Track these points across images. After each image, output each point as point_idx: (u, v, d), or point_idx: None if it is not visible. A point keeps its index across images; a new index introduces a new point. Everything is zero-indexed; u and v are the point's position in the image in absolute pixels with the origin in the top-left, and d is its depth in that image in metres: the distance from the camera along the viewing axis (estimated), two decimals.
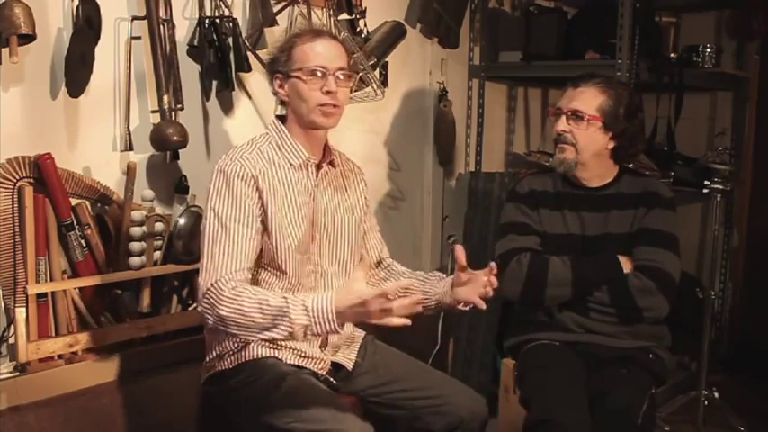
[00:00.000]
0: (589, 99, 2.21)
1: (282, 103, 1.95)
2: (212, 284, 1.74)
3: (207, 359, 1.98)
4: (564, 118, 2.23)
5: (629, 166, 2.40)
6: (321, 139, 1.96)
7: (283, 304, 1.66)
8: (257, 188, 1.83)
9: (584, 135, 2.20)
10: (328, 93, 1.84)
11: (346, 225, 2.00)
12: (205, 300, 1.75)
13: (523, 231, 2.27)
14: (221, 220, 1.79)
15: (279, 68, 1.88)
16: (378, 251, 2.15)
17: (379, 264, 2.16)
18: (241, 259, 1.78)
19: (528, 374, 2.18)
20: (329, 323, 1.63)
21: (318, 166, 1.95)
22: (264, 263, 1.90)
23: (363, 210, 2.08)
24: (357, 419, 1.77)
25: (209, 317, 1.76)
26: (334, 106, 1.86)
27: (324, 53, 1.85)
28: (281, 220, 1.86)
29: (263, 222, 1.85)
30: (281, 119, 1.96)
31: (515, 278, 2.21)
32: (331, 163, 1.99)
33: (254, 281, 1.87)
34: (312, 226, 1.93)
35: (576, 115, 2.20)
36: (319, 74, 1.84)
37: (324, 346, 1.97)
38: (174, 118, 2.25)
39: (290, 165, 1.90)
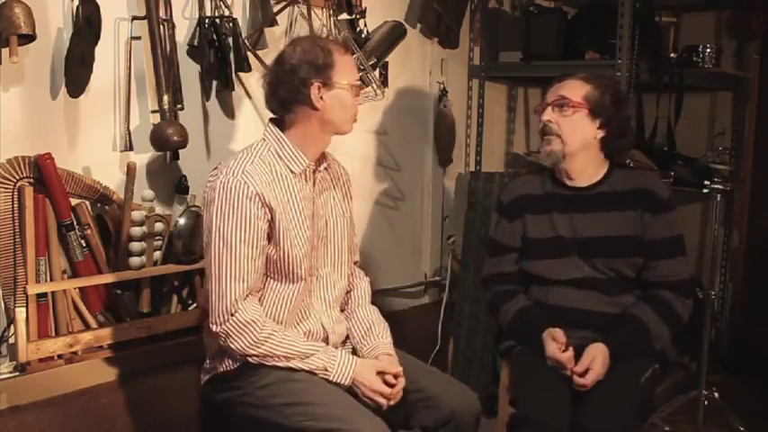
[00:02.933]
0: (574, 88, 2.18)
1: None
2: (226, 312, 1.81)
3: (207, 361, 1.98)
4: (549, 108, 2.18)
5: (628, 163, 2.39)
6: (327, 144, 1.98)
7: (309, 351, 1.86)
8: (264, 204, 1.83)
9: (570, 123, 2.16)
10: (359, 104, 1.96)
11: (339, 227, 2.03)
12: (221, 330, 1.82)
13: (500, 252, 2.31)
14: (226, 240, 1.81)
15: (321, 79, 1.86)
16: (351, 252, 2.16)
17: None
18: (248, 280, 1.82)
19: (515, 375, 2.20)
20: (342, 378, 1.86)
21: (315, 172, 1.97)
22: (272, 272, 1.91)
23: (348, 210, 2.10)
24: (371, 416, 1.79)
25: (223, 342, 1.85)
26: None
27: (356, 67, 1.97)
28: (289, 230, 1.87)
29: (272, 235, 1.87)
30: (277, 123, 1.94)
31: (487, 299, 2.37)
32: (327, 168, 2.01)
33: (262, 290, 1.92)
34: (313, 231, 1.95)
35: (561, 104, 2.16)
36: (356, 87, 1.92)
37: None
38: (174, 118, 2.25)
39: (291, 172, 1.90)
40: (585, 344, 2.10)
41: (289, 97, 1.89)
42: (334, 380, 1.85)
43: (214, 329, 1.83)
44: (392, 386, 1.87)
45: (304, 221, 1.91)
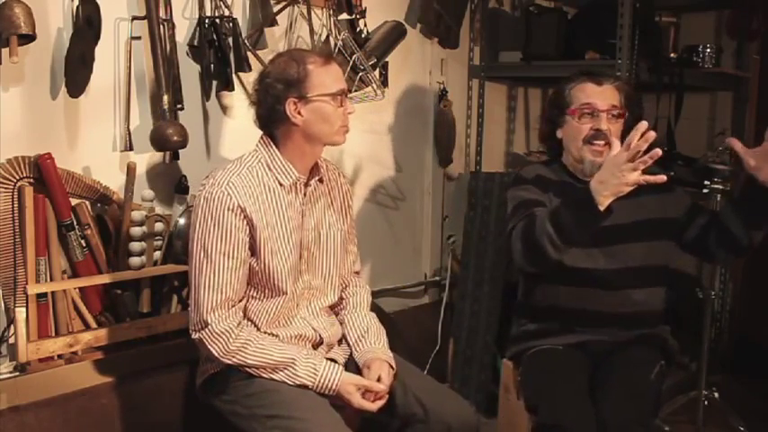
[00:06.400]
0: (614, 96, 2.21)
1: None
2: (200, 321, 1.82)
3: (200, 365, 1.99)
4: (604, 116, 2.18)
5: None
6: (318, 156, 1.97)
7: (285, 361, 1.85)
8: (245, 217, 1.83)
9: (618, 132, 2.18)
10: (349, 114, 1.91)
11: (331, 239, 2.02)
12: (197, 338, 1.84)
13: (529, 205, 2.19)
14: (207, 251, 1.81)
15: (296, 94, 1.84)
16: (350, 262, 2.15)
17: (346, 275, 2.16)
18: (226, 291, 1.82)
19: (532, 379, 2.18)
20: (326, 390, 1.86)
21: (307, 185, 1.95)
22: (257, 285, 1.91)
23: (347, 221, 2.09)
24: None
25: (201, 348, 1.87)
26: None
27: (339, 76, 1.91)
28: (272, 244, 1.87)
29: (253, 248, 1.86)
30: (270, 135, 1.93)
31: (517, 245, 2.12)
32: (319, 179, 2.00)
33: (246, 302, 1.92)
34: (300, 244, 1.94)
35: (617, 114, 2.19)
36: (341, 97, 1.88)
37: (317, 346, 1.98)
38: (174, 118, 2.25)
39: (280, 185, 1.89)
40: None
41: (267, 115, 1.89)
42: (318, 392, 1.85)
43: (192, 336, 1.85)
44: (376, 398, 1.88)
45: (290, 235, 1.90)
